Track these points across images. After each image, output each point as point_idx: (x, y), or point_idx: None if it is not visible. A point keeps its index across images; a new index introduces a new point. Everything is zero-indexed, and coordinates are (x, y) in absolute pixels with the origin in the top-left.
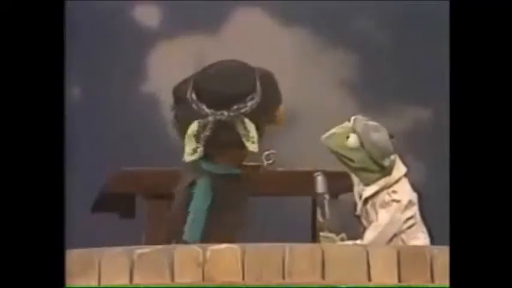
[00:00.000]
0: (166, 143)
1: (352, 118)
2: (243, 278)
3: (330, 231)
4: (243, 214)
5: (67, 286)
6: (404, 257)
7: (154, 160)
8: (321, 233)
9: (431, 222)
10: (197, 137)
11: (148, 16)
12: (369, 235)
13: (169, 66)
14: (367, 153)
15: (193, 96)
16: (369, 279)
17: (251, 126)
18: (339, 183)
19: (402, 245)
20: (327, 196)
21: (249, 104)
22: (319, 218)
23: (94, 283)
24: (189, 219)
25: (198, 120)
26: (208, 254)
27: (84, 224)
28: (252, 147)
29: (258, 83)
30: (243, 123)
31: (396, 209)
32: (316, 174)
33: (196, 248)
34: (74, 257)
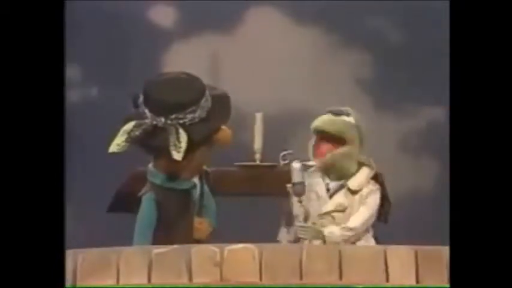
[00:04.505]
0: None
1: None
2: (260, 278)
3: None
4: (191, 230)
5: (81, 286)
6: (421, 258)
7: None
8: (298, 224)
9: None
10: (128, 134)
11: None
12: (360, 217)
13: (182, 66)
14: (359, 133)
15: (141, 99)
16: (387, 279)
17: (183, 137)
18: None
19: (419, 246)
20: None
21: (189, 116)
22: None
23: (112, 282)
24: (136, 231)
25: (137, 121)
26: (225, 253)
27: (100, 223)
28: (177, 155)
29: (204, 99)
30: (177, 132)
31: (379, 196)
32: (294, 162)
33: (213, 248)
34: (91, 256)
